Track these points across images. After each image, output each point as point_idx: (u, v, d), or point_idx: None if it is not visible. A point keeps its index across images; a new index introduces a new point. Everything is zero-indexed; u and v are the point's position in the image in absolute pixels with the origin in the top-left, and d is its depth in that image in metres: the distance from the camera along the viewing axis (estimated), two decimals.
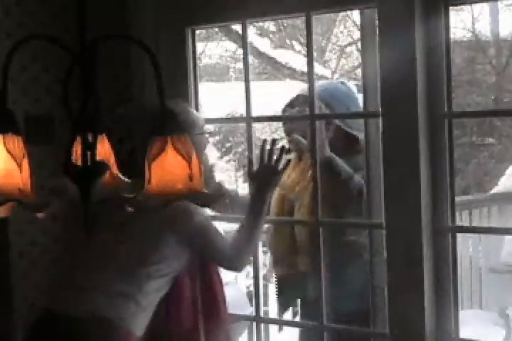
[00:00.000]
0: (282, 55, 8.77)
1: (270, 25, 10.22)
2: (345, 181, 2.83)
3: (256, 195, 2.64)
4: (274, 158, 2.63)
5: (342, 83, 3.10)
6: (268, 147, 2.63)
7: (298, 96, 2.99)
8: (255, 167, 2.68)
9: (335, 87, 3.06)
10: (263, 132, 9.46)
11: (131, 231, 2.58)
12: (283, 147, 2.71)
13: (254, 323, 3.02)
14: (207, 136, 2.74)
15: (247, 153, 2.88)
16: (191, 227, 2.54)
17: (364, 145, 2.71)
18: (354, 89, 3.04)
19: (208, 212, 2.79)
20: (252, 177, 2.68)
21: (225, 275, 4.83)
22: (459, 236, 2.51)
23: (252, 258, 2.82)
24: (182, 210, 2.50)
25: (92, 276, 2.60)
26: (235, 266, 2.68)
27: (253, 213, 2.62)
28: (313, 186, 2.68)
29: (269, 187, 2.65)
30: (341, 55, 10.81)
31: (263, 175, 2.64)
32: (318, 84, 2.97)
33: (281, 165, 2.64)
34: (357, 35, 9.85)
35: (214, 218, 2.85)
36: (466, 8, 9.92)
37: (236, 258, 2.61)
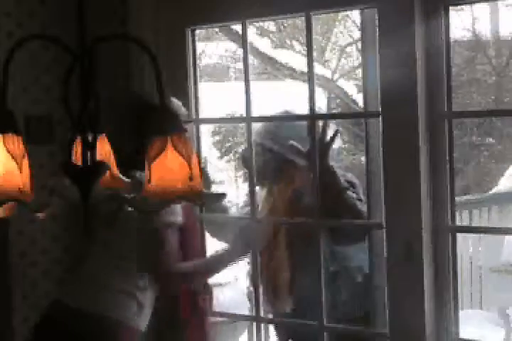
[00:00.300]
0: (282, 55, 8.76)
1: (270, 25, 10.21)
2: (341, 193, 2.80)
3: (236, 246, 2.69)
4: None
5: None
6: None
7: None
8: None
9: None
10: None
11: (124, 230, 2.58)
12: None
13: (254, 323, 3.02)
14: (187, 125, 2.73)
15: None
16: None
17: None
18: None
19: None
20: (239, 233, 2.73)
21: (225, 275, 4.84)
22: (459, 236, 2.51)
23: (250, 258, 2.84)
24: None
25: (94, 274, 2.62)
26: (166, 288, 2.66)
27: (225, 256, 2.68)
28: (313, 190, 2.68)
29: (255, 244, 2.73)
30: (341, 55, 10.81)
31: (253, 234, 2.73)
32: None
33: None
34: (357, 35, 9.85)
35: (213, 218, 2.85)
36: (466, 8, 9.91)
37: (174, 277, 2.60)
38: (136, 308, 2.55)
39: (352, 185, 2.87)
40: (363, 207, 2.78)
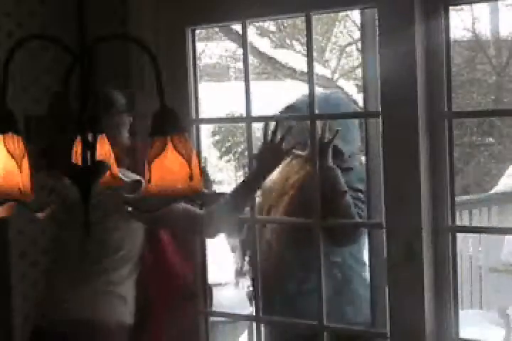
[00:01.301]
0: (282, 55, 8.77)
1: (270, 25, 10.23)
2: (337, 196, 2.79)
3: (254, 172, 2.65)
4: (278, 137, 2.63)
5: (335, 92, 3.03)
6: (271, 128, 2.64)
7: (289, 107, 2.97)
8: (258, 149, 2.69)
9: (329, 97, 3.02)
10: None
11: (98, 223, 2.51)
12: (289, 127, 2.69)
13: (254, 323, 3.02)
14: (127, 115, 2.70)
15: (247, 152, 2.88)
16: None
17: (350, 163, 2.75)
18: (347, 97, 2.94)
19: None
20: (255, 158, 2.68)
21: (225, 275, 4.85)
22: (459, 236, 2.51)
23: (249, 255, 2.83)
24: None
25: (74, 276, 2.60)
26: (207, 232, 2.65)
27: (244, 188, 2.63)
28: (313, 188, 2.68)
29: (270, 166, 2.65)
30: (341, 55, 10.81)
31: (266, 156, 2.64)
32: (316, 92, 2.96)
33: (285, 145, 2.64)
34: (357, 35, 9.85)
35: None
36: (466, 8, 9.91)
37: (209, 225, 2.57)
38: (116, 304, 2.55)
39: (360, 190, 2.86)
40: (362, 212, 2.78)
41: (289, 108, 2.97)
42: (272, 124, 2.70)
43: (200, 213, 2.57)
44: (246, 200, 2.65)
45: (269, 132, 2.64)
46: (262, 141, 2.66)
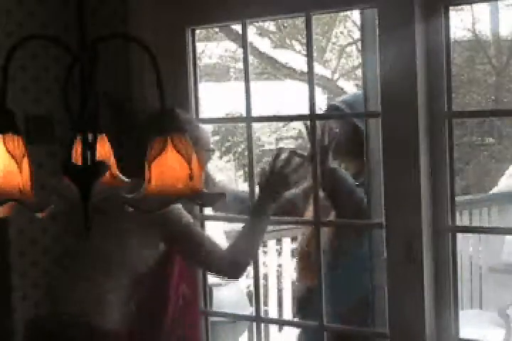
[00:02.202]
0: (282, 55, 8.79)
1: (270, 25, 10.22)
2: (346, 195, 2.80)
3: (261, 202, 2.63)
4: (289, 169, 2.63)
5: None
6: (283, 157, 2.64)
7: (330, 106, 2.99)
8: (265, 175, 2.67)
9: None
10: (263, 132, 9.46)
11: (114, 232, 2.53)
12: (303, 157, 2.70)
13: (254, 323, 3.02)
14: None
15: (247, 152, 2.88)
16: (178, 228, 2.50)
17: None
18: None
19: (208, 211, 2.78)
20: (262, 185, 2.67)
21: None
22: (459, 236, 2.51)
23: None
24: (169, 210, 2.39)
25: (82, 281, 2.58)
26: (232, 273, 2.63)
27: (254, 221, 2.62)
28: (314, 190, 2.68)
29: (276, 197, 2.64)
30: (341, 55, 10.81)
31: (273, 185, 2.63)
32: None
33: (293, 178, 2.64)
34: (357, 35, 9.85)
35: (213, 218, 2.85)
36: (466, 8, 9.91)
37: (232, 265, 2.56)
38: (116, 312, 2.53)
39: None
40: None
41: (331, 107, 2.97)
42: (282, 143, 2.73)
43: (220, 251, 2.54)
44: (260, 232, 2.63)
45: (281, 159, 2.64)
46: (270, 167, 2.65)
